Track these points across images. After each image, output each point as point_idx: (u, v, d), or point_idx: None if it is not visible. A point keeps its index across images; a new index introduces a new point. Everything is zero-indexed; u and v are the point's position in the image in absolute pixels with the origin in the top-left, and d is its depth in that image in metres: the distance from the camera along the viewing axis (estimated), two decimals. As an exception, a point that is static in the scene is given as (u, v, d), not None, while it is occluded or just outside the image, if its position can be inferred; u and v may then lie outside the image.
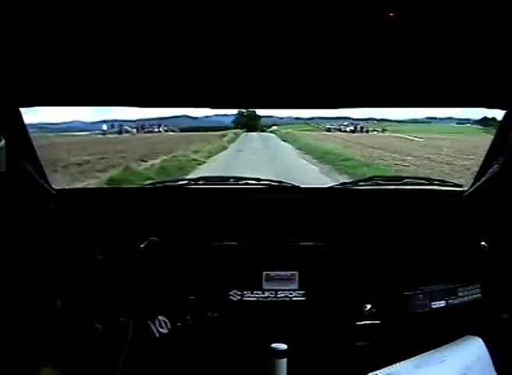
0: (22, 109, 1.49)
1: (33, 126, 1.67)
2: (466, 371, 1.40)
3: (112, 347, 1.44)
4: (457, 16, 1.11)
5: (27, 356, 1.43)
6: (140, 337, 1.47)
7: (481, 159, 1.68)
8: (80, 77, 1.35)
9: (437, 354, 1.43)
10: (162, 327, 1.48)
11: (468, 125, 7.91)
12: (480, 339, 1.47)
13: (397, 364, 1.38)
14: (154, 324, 1.48)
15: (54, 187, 1.67)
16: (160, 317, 1.48)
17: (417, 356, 1.41)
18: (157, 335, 1.48)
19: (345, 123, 8.89)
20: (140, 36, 1.19)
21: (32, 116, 1.59)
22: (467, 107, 1.68)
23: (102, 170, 6.45)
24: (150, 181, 2.15)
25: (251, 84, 1.41)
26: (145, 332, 1.47)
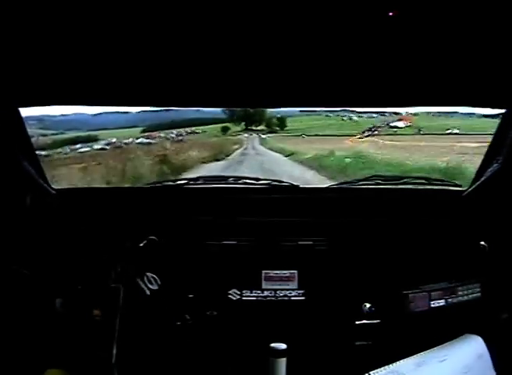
0: (21, 109, 1.49)
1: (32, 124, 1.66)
2: (466, 370, 1.40)
3: (107, 315, 1.43)
4: (457, 16, 1.11)
5: (31, 357, 1.43)
6: (132, 299, 1.46)
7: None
8: (79, 77, 1.35)
9: (438, 352, 1.43)
10: (152, 283, 1.47)
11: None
12: (480, 338, 1.48)
13: (398, 362, 1.38)
14: (143, 281, 1.47)
15: (53, 187, 1.67)
16: (148, 273, 1.48)
17: (418, 354, 1.41)
18: (147, 292, 1.47)
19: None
20: (140, 35, 1.19)
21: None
22: (466, 106, 1.67)
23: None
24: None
25: (251, 84, 1.42)
26: (136, 292, 1.46)
